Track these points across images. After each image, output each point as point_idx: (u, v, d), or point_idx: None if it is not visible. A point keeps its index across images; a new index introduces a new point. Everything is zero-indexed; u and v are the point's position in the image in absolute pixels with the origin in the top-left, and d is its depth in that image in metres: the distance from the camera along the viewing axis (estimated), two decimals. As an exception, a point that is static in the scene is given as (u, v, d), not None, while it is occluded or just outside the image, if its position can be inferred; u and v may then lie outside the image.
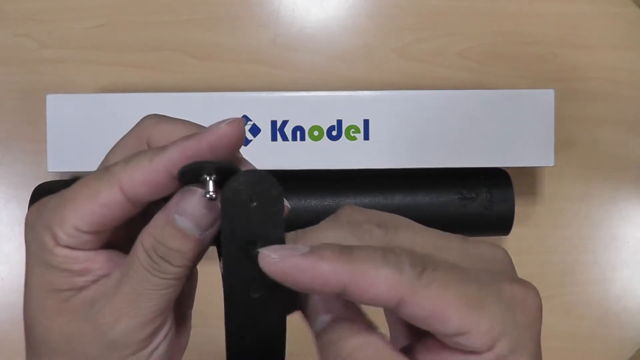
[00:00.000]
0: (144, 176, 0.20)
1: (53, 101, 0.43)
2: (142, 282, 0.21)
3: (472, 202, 0.45)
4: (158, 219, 0.21)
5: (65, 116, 0.42)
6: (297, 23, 0.51)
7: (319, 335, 0.20)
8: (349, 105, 0.43)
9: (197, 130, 0.22)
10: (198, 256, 0.22)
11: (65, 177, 0.47)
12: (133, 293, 0.21)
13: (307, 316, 0.21)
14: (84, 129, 0.42)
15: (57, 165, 0.43)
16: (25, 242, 0.22)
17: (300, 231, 0.21)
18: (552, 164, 0.44)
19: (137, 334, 0.21)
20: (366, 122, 0.43)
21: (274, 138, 0.43)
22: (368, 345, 0.19)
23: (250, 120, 0.43)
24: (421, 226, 0.22)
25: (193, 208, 0.20)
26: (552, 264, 0.51)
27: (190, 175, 0.20)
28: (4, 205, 0.49)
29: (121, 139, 0.24)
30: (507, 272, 0.21)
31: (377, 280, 0.18)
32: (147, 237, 0.21)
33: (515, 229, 0.46)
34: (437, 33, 0.51)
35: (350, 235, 0.21)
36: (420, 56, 0.51)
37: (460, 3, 0.51)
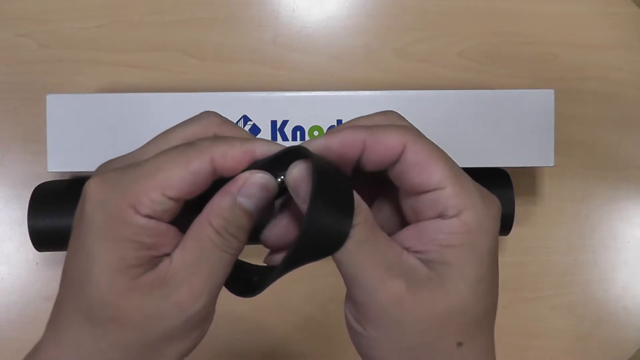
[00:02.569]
0: (235, 154, 0.23)
1: (53, 101, 0.43)
2: (218, 261, 0.23)
3: (472, 202, 0.44)
4: (223, 202, 0.23)
5: (65, 116, 0.42)
6: (297, 23, 0.51)
7: None
8: (349, 105, 0.43)
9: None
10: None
11: (65, 177, 0.47)
12: (210, 272, 0.23)
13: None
14: (84, 129, 0.42)
15: (57, 165, 0.43)
16: (85, 217, 0.23)
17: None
18: (552, 164, 0.44)
19: (210, 307, 0.23)
20: (366, 122, 0.43)
21: (274, 138, 0.43)
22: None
23: (250, 120, 0.43)
24: None
25: (254, 191, 0.23)
26: (552, 264, 0.51)
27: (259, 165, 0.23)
28: (4, 205, 0.49)
29: (181, 125, 0.25)
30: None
31: (389, 135, 0.22)
32: (216, 219, 0.23)
33: (515, 229, 0.46)
34: (437, 33, 0.51)
35: (377, 120, 0.25)
36: (420, 56, 0.51)
37: (460, 3, 0.51)
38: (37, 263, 0.49)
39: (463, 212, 0.22)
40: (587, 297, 0.51)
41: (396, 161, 0.23)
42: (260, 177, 0.23)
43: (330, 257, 0.23)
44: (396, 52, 0.51)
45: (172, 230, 0.23)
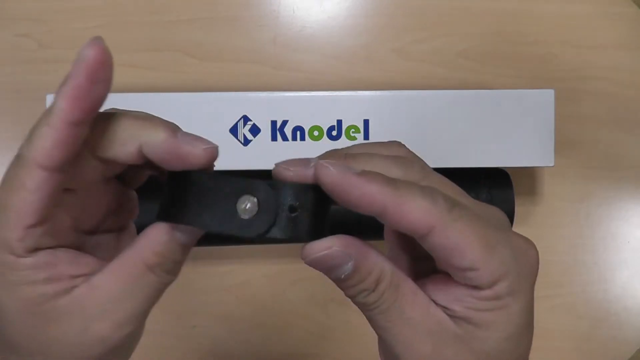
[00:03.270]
0: (52, 141, 0.20)
1: (53, 101, 0.42)
2: (148, 294, 0.22)
3: (472, 202, 0.45)
4: (159, 236, 0.21)
5: (65, 116, 0.42)
6: (297, 23, 0.51)
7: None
8: (349, 105, 0.43)
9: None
10: None
11: (65, 177, 0.47)
12: (138, 304, 0.22)
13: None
14: (84, 129, 0.42)
15: (57, 165, 0.43)
16: None
17: (350, 152, 0.23)
18: (552, 164, 0.44)
19: (138, 331, 0.23)
20: (366, 122, 0.43)
21: (274, 138, 0.43)
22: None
23: (250, 120, 0.43)
24: (446, 179, 0.24)
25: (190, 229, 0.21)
26: (552, 264, 0.51)
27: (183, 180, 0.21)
28: (4, 205, 0.49)
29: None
30: (507, 222, 0.24)
31: (414, 208, 0.20)
32: (152, 257, 0.21)
33: (515, 229, 0.46)
34: (437, 33, 0.51)
35: (395, 168, 0.22)
36: (420, 56, 0.51)
37: (460, 3, 0.51)
38: (37, 263, 0.49)
39: (497, 283, 0.21)
40: (587, 297, 0.51)
41: (420, 237, 0.21)
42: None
43: None
44: (396, 52, 0.51)
45: (70, 255, 0.22)
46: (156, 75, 0.50)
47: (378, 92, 0.43)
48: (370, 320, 0.23)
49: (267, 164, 0.43)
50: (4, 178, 0.21)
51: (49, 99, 0.42)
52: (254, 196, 0.20)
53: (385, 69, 0.51)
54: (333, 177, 0.20)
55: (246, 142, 0.43)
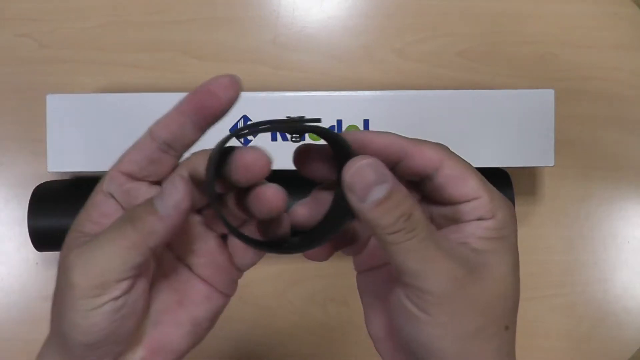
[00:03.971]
0: (163, 118, 0.26)
1: (53, 101, 0.43)
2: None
3: (472, 202, 0.45)
4: (142, 207, 0.24)
5: (65, 116, 0.42)
6: (297, 23, 0.51)
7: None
8: (349, 105, 0.43)
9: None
10: None
11: (65, 177, 0.47)
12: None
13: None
14: (84, 129, 0.42)
15: (57, 165, 0.43)
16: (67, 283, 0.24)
17: None
18: (552, 164, 0.44)
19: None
20: (366, 122, 0.43)
21: (274, 138, 0.43)
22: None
23: (250, 120, 0.43)
24: None
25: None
26: (552, 264, 0.51)
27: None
28: (4, 205, 0.49)
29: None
30: None
31: (428, 149, 0.25)
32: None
33: (515, 229, 0.46)
34: (437, 33, 0.51)
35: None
36: (420, 56, 0.51)
37: (460, 3, 0.51)
38: (37, 263, 0.49)
39: (496, 214, 0.25)
40: (587, 297, 0.51)
41: (429, 174, 0.25)
42: (180, 198, 0.23)
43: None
44: (396, 52, 0.51)
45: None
46: (156, 75, 0.50)
47: (378, 92, 0.43)
48: (407, 253, 0.23)
49: (267, 164, 0.43)
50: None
51: (49, 99, 0.42)
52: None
53: (385, 69, 0.51)
54: (359, 135, 0.25)
55: (246, 142, 0.43)
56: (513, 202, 0.45)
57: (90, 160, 0.43)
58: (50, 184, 0.45)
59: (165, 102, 0.43)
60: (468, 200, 0.25)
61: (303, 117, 0.24)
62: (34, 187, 0.45)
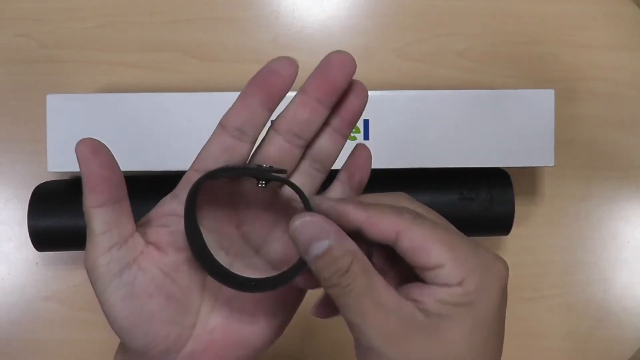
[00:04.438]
0: (231, 109, 0.27)
1: (53, 101, 0.43)
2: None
3: (472, 202, 0.45)
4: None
5: (65, 116, 0.42)
6: (297, 23, 0.51)
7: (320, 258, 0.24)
8: (349, 105, 0.43)
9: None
10: None
11: (65, 177, 0.47)
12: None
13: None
14: (84, 129, 0.42)
15: (57, 165, 0.43)
16: None
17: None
18: (552, 164, 0.44)
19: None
20: (366, 122, 0.43)
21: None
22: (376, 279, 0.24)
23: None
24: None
25: None
26: (552, 264, 0.51)
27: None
28: (4, 205, 0.49)
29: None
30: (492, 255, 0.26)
31: (382, 220, 0.24)
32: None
33: (515, 229, 0.46)
34: (437, 33, 0.51)
35: (385, 197, 0.27)
36: (420, 56, 0.51)
37: (460, 3, 0.51)
38: (37, 263, 0.49)
39: (464, 280, 0.23)
40: (587, 297, 0.51)
41: (392, 242, 0.24)
42: None
43: None
44: (396, 52, 0.51)
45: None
46: (156, 75, 0.50)
47: (378, 92, 0.43)
48: (344, 308, 0.24)
49: (267, 164, 0.43)
50: None
51: (49, 99, 0.42)
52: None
53: (385, 69, 0.51)
54: (319, 203, 0.25)
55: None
56: (513, 202, 0.45)
57: (90, 160, 0.43)
58: (50, 184, 0.45)
59: (165, 102, 0.43)
60: (431, 269, 0.24)
61: (272, 167, 0.25)
62: (34, 187, 0.45)
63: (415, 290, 0.24)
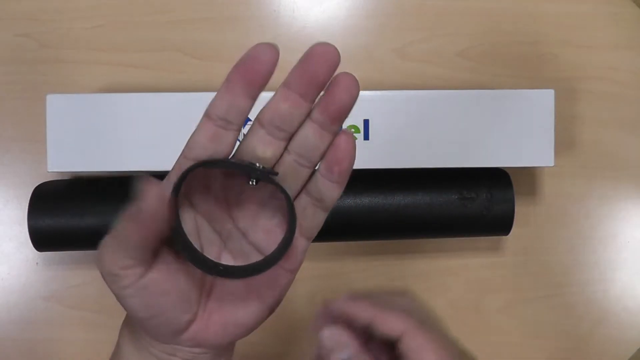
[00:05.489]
0: (217, 98, 0.27)
1: (53, 101, 0.43)
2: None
3: (472, 202, 0.45)
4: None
5: (65, 116, 0.42)
6: (297, 23, 0.51)
7: None
8: (349, 105, 0.43)
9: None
10: None
11: (65, 177, 0.47)
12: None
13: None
14: (84, 129, 0.42)
15: (57, 165, 0.43)
16: None
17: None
18: (552, 164, 0.44)
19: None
20: (366, 122, 0.43)
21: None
22: None
23: (250, 120, 0.43)
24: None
25: None
26: (552, 264, 0.51)
27: None
28: (4, 205, 0.49)
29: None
30: None
31: (393, 318, 0.28)
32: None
33: (515, 229, 0.46)
34: (437, 33, 0.51)
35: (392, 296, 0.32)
36: (420, 56, 0.51)
37: (460, 3, 0.51)
38: (37, 263, 0.49)
39: None
40: (587, 297, 0.51)
41: (397, 341, 0.28)
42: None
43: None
44: (396, 52, 0.51)
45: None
46: (156, 75, 0.50)
47: (378, 92, 0.43)
48: None
49: (267, 164, 0.43)
50: None
51: (49, 99, 0.42)
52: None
53: (385, 69, 0.51)
54: (335, 304, 0.30)
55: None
56: (513, 202, 0.45)
57: (90, 160, 0.43)
58: (50, 184, 0.45)
59: (165, 102, 0.43)
60: None
61: (264, 168, 0.26)
62: (34, 187, 0.45)
63: None
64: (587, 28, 0.51)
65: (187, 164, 0.26)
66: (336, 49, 0.25)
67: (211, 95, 0.43)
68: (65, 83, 0.50)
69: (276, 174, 0.26)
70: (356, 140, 0.43)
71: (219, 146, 0.26)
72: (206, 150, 0.26)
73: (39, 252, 0.47)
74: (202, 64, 0.50)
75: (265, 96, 0.27)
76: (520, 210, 0.49)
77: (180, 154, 0.27)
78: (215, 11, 0.50)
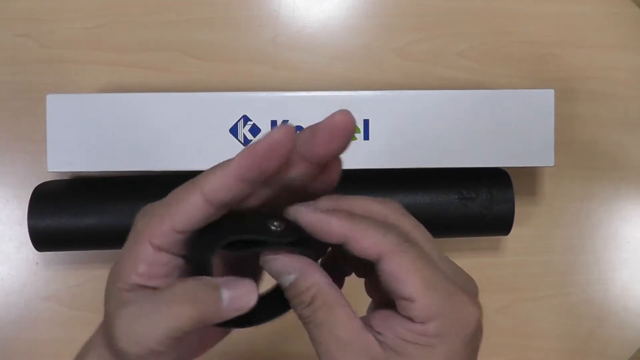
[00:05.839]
0: (222, 181, 0.24)
1: (53, 101, 0.43)
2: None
3: (472, 202, 0.45)
4: (207, 290, 0.25)
5: (65, 116, 0.42)
6: (297, 23, 0.51)
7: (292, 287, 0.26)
8: (349, 105, 0.43)
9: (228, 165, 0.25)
10: None
11: (65, 177, 0.47)
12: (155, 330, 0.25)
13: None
14: (84, 129, 0.42)
15: (57, 165, 0.43)
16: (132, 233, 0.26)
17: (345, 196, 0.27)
18: (552, 164, 0.44)
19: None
20: (366, 122, 0.43)
21: (274, 138, 0.43)
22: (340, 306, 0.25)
23: (250, 120, 0.43)
24: (424, 228, 0.27)
25: (241, 303, 0.26)
26: (552, 264, 0.51)
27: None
28: (4, 205, 0.49)
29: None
30: (471, 291, 0.26)
31: (366, 237, 0.24)
32: (191, 307, 0.25)
33: (515, 229, 0.46)
34: (437, 33, 0.51)
35: (374, 204, 0.27)
36: (420, 56, 0.51)
37: (460, 3, 0.51)
38: (37, 263, 0.49)
39: (428, 321, 0.24)
40: (587, 297, 0.51)
41: (374, 262, 0.24)
42: (251, 298, 0.25)
43: None
44: (396, 52, 0.51)
45: (173, 265, 0.26)
46: (156, 75, 0.50)
47: (378, 92, 0.43)
48: (308, 333, 0.25)
49: (267, 164, 0.43)
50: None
51: (49, 99, 0.42)
52: (281, 220, 0.25)
53: (385, 69, 0.51)
54: (303, 215, 0.25)
55: (246, 142, 0.43)
56: (513, 202, 0.45)
57: (90, 160, 0.43)
58: (50, 184, 0.45)
59: (165, 102, 0.43)
60: (402, 299, 0.24)
61: (280, 230, 0.25)
62: (34, 187, 0.45)
63: (381, 321, 0.25)
64: (587, 28, 0.51)
65: (172, 235, 0.25)
66: (286, 138, 0.23)
67: (211, 96, 0.43)
68: (65, 83, 0.50)
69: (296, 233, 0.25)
70: (356, 141, 0.43)
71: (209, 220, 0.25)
72: (194, 227, 0.25)
73: (39, 252, 0.47)
74: (202, 64, 0.50)
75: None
76: (520, 210, 0.49)
77: (167, 222, 0.25)
78: (215, 11, 0.50)
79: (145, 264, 0.25)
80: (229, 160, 0.24)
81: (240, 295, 0.25)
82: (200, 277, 0.25)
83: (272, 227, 0.25)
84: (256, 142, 0.23)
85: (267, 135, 0.23)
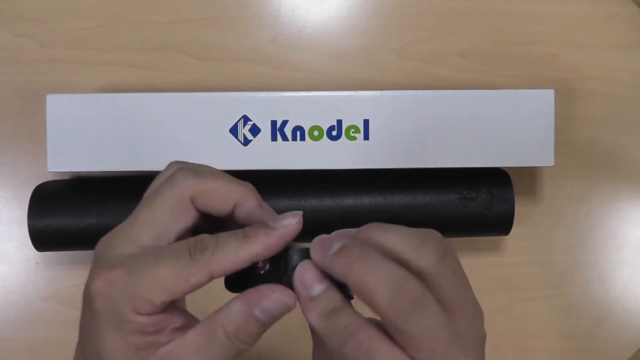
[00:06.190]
0: (232, 265, 0.25)
1: (53, 101, 0.43)
2: (226, 356, 0.26)
3: (472, 202, 0.45)
4: (239, 311, 0.26)
5: (65, 116, 0.42)
6: (297, 23, 0.51)
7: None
8: (349, 105, 0.43)
9: (238, 187, 0.27)
10: None
11: (65, 177, 0.47)
12: None
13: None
14: (84, 129, 0.42)
15: (57, 165, 0.43)
16: (95, 310, 0.26)
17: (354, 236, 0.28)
18: (552, 164, 0.44)
19: None
20: (366, 122, 0.43)
21: (274, 138, 0.43)
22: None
23: (250, 120, 0.43)
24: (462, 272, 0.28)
25: (275, 308, 0.27)
26: (552, 264, 0.51)
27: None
28: (4, 205, 0.49)
29: (158, 193, 0.27)
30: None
31: (374, 298, 0.24)
32: (229, 324, 0.25)
33: (515, 229, 0.46)
34: (437, 33, 0.51)
35: (397, 236, 0.28)
36: (420, 56, 0.51)
37: (460, 3, 0.51)
38: (37, 263, 0.49)
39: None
40: (587, 297, 0.51)
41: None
42: (285, 298, 0.27)
43: None
44: (396, 52, 0.51)
45: (175, 311, 0.26)
46: (156, 75, 0.50)
47: (378, 92, 0.43)
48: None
49: (267, 164, 0.43)
50: (163, 252, 0.25)
51: (49, 99, 0.42)
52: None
53: (385, 69, 0.51)
54: (312, 255, 0.27)
55: (246, 142, 0.43)
56: (513, 202, 0.45)
57: (90, 160, 0.43)
58: (50, 184, 0.45)
59: (165, 102, 0.43)
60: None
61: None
62: (34, 187, 0.45)
63: None
64: (587, 28, 0.51)
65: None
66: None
67: (211, 96, 0.43)
68: (65, 83, 0.50)
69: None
70: (356, 141, 0.43)
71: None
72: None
73: (39, 252, 0.47)
74: (202, 64, 0.50)
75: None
76: (520, 210, 0.49)
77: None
78: (215, 11, 0.50)
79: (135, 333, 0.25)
80: (242, 242, 0.25)
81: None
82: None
83: (259, 265, 0.26)
84: (272, 233, 0.25)
85: (286, 226, 0.26)
